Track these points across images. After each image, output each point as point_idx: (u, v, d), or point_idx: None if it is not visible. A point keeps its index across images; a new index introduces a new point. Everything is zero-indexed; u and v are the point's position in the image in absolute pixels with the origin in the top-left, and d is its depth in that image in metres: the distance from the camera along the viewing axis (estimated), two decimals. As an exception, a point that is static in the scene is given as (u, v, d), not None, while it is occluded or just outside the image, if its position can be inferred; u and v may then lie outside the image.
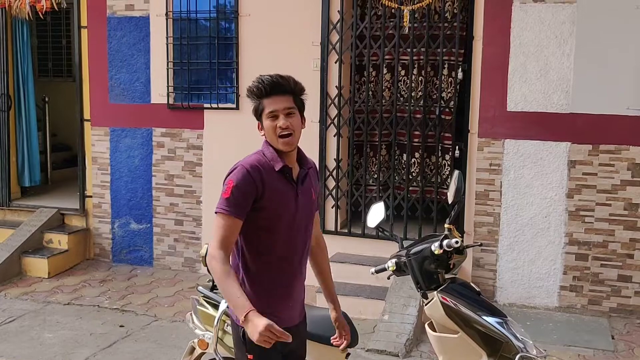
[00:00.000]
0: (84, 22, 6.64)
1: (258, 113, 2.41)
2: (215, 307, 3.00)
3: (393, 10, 5.60)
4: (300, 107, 2.44)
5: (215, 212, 2.33)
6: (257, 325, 2.10)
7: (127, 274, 6.42)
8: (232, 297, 2.20)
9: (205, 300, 3.14)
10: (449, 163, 5.79)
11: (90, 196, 6.82)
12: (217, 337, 2.87)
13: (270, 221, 2.37)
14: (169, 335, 4.92)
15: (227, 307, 2.66)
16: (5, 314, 5.35)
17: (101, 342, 4.79)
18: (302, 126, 2.44)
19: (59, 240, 6.61)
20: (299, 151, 2.49)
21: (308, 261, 2.61)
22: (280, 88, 2.38)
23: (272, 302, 2.40)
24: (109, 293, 5.87)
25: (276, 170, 2.36)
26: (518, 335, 2.59)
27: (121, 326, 5.10)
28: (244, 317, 2.14)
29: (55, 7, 6.59)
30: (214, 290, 3.11)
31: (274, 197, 2.35)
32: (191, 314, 3.27)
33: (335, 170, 5.84)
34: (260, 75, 2.41)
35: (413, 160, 5.87)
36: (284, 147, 2.38)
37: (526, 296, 5.41)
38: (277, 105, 2.36)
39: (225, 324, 2.83)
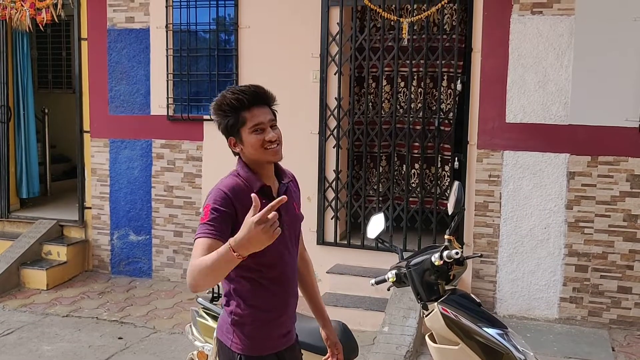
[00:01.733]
0: (84, 34, 6.67)
1: (235, 128, 2.21)
2: (215, 318, 2.99)
3: (392, 23, 5.63)
4: (275, 117, 2.30)
5: (194, 239, 2.16)
6: (246, 229, 1.84)
7: (126, 286, 6.40)
8: (214, 259, 1.93)
9: (204, 311, 3.13)
10: (448, 174, 5.80)
11: (90, 207, 6.81)
12: (217, 349, 2.85)
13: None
14: (167, 348, 4.90)
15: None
16: (4, 325, 5.33)
17: (100, 354, 4.77)
18: None
19: (58, 252, 6.60)
20: (276, 164, 2.34)
21: None
22: (260, 99, 2.22)
23: (268, 325, 2.29)
24: (107, 305, 5.85)
25: (254, 191, 2.15)
26: (519, 347, 2.58)
27: (120, 338, 5.08)
28: (233, 249, 1.87)
29: (56, 19, 6.65)
30: (214, 302, 3.10)
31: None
32: (190, 326, 3.25)
33: (334, 182, 5.84)
34: (230, 89, 2.23)
35: (412, 171, 5.88)
36: (275, 157, 2.24)
37: (526, 308, 5.40)
38: (262, 117, 2.21)
39: (225, 336, 2.82)
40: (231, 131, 2.25)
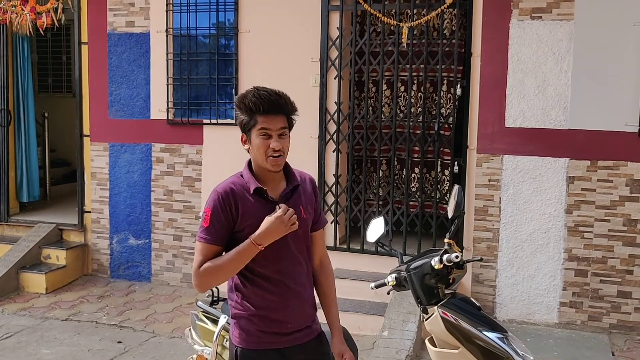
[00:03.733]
0: (84, 39, 6.68)
1: (247, 127, 2.33)
2: (215, 322, 2.99)
3: (392, 27, 5.64)
4: (291, 126, 2.39)
5: (196, 241, 2.34)
6: (268, 223, 2.23)
7: (125, 290, 6.39)
8: (233, 256, 2.25)
9: (204, 315, 3.13)
10: (448, 178, 5.80)
11: (89, 211, 6.81)
12: (217, 353, 2.85)
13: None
14: (167, 352, 4.89)
15: (227, 322, 2.65)
16: (3, 329, 5.32)
17: (99, 358, 4.76)
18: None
19: (57, 256, 6.59)
20: (287, 167, 2.43)
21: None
22: (277, 108, 2.30)
23: (263, 321, 2.33)
24: (107, 309, 5.84)
25: (250, 192, 2.31)
26: (519, 351, 2.58)
27: (119, 342, 5.07)
28: (256, 242, 2.22)
29: (56, 24, 6.64)
30: (213, 306, 3.10)
31: (248, 220, 2.28)
32: (190, 330, 3.25)
33: (334, 186, 5.85)
34: (257, 89, 2.31)
35: (412, 175, 5.89)
36: (273, 168, 2.31)
37: (526, 312, 5.39)
38: (272, 124, 2.29)
39: (225, 340, 2.82)
40: (244, 129, 2.36)
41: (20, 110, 7.29)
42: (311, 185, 2.52)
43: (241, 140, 2.39)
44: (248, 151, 2.39)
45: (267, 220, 2.22)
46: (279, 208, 2.24)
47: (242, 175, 2.38)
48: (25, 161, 7.36)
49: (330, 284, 2.61)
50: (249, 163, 2.40)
